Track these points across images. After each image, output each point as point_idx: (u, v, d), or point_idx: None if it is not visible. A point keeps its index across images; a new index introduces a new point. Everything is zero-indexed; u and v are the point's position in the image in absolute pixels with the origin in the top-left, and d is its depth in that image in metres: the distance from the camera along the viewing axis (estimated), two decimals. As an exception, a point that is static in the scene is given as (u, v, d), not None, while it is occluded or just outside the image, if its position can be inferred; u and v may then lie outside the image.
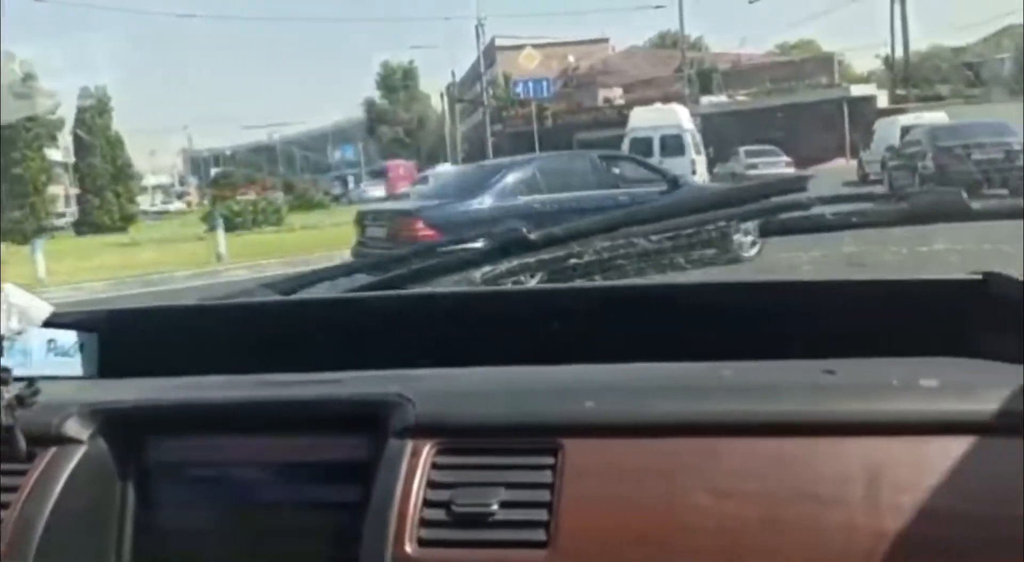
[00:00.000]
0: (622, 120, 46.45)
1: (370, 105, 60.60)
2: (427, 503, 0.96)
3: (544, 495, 0.95)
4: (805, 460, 0.91)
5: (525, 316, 1.35)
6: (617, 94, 48.28)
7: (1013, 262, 1.53)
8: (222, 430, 1.12)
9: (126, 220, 29.09)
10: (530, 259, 1.60)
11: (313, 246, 15.71)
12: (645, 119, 23.08)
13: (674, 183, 10.75)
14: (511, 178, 10.06)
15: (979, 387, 0.96)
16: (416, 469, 0.98)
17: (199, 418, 1.14)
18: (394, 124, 58.20)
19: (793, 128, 38.44)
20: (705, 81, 45.30)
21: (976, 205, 1.45)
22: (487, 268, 1.61)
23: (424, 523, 0.96)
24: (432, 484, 0.98)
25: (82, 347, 1.34)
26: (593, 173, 10.71)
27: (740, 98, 43.53)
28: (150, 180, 62.31)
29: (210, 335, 1.40)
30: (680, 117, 22.86)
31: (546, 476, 0.96)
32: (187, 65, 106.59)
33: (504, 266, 1.61)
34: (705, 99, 43.43)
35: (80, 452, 1.08)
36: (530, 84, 40.02)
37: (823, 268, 2.05)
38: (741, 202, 1.60)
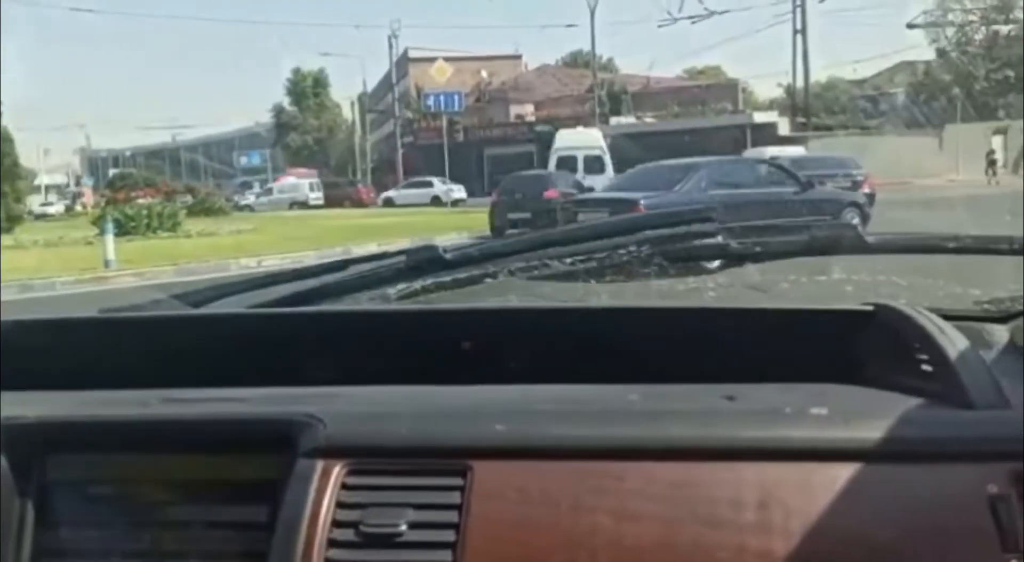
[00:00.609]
0: (532, 137, 46.97)
1: (279, 111, 59.53)
2: (336, 523, 0.97)
3: (452, 516, 0.96)
4: (703, 484, 0.94)
5: (437, 335, 1.36)
6: (528, 111, 48.61)
7: (903, 293, 1.61)
8: (128, 448, 1.09)
9: (12, 221, 27.56)
10: (445, 278, 1.60)
11: (209, 253, 15.26)
12: (569, 140, 25.25)
13: (808, 185, 12.92)
14: (700, 175, 12.37)
15: (865, 415, 1.00)
16: (325, 489, 0.98)
17: (104, 435, 1.11)
18: (303, 132, 57.29)
19: (698, 151, 39.36)
20: (615, 102, 45.96)
21: (871, 239, 1.52)
22: (401, 285, 1.60)
23: (332, 543, 0.96)
24: (341, 504, 0.98)
25: None
26: (753, 174, 13.02)
27: (648, 120, 44.30)
28: (44, 179, 59.72)
29: (117, 348, 1.37)
30: (599, 140, 25.27)
31: (455, 497, 0.97)
32: (87, 62, 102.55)
33: (419, 284, 1.61)
34: (614, 120, 44.07)
35: None
36: (441, 97, 39.49)
37: (727, 294, 2.08)
38: (653, 228, 1.63)
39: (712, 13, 38.73)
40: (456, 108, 39.96)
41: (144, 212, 20.78)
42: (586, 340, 1.32)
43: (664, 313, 1.40)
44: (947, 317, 1.20)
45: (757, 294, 1.91)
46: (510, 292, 1.68)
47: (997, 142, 37.05)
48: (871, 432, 0.97)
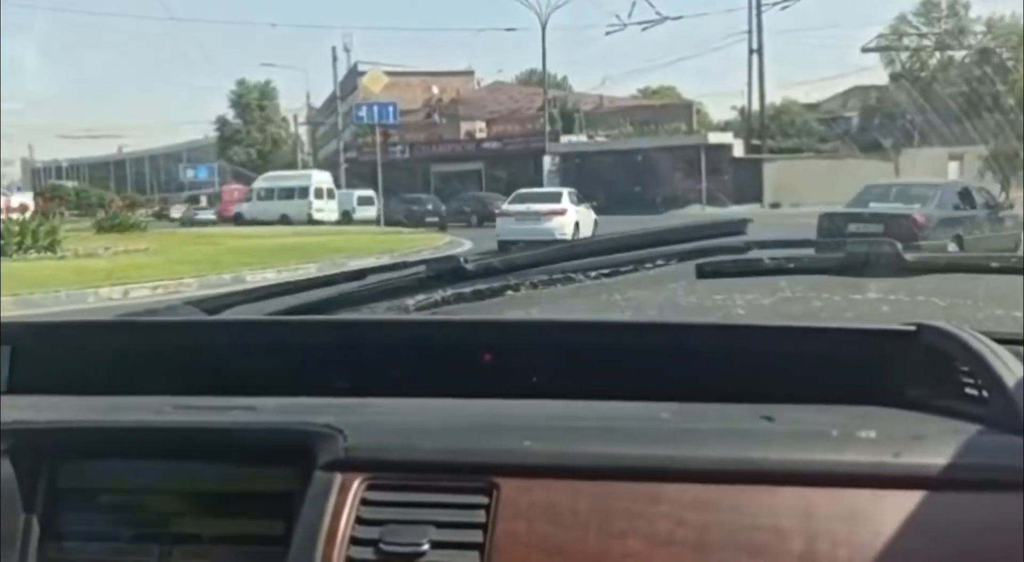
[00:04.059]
0: (479, 154, 45.60)
1: (223, 124, 57.74)
2: (354, 541, 0.93)
3: (477, 536, 0.92)
4: (742, 509, 0.91)
5: (457, 347, 1.34)
6: (479, 127, 47.51)
7: (941, 314, 1.49)
8: (139, 455, 1.06)
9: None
10: (465, 289, 1.56)
11: (72, 279, 12.55)
12: (319, 177, 38.40)
13: None
14: None
15: (918, 440, 0.96)
16: (344, 504, 0.95)
17: (115, 442, 1.08)
18: (247, 145, 55.56)
19: (651, 171, 38.41)
20: (567, 120, 45.03)
21: (909, 258, 1.46)
22: (421, 296, 1.56)
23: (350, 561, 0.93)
24: (360, 521, 0.95)
25: None
26: None
27: (599, 139, 43.29)
28: (-28, 191, 57.24)
29: (130, 353, 1.35)
30: (329, 177, 38.80)
31: (479, 516, 0.93)
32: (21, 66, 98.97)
33: (439, 295, 1.57)
34: (565, 138, 43.06)
35: None
36: (375, 108, 36.31)
37: (757, 311, 1.81)
38: (680, 241, 1.58)
39: (665, 18, 37.87)
40: (391, 120, 37.15)
41: (15, 229, 17.80)
42: (610, 355, 1.30)
43: (692, 329, 1.37)
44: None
45: (788, 311, 1.77)
46: (532, 305, 1.62)
47: (953, 168, 36.50)
48: (925, 458, 0.92)
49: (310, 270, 13.72)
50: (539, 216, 20.13)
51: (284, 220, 35.37)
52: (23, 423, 1.06)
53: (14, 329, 1.36)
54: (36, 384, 1.23)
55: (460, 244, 21.24)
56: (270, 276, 13.32)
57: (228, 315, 1.53)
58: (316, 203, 37.16)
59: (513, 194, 23.02)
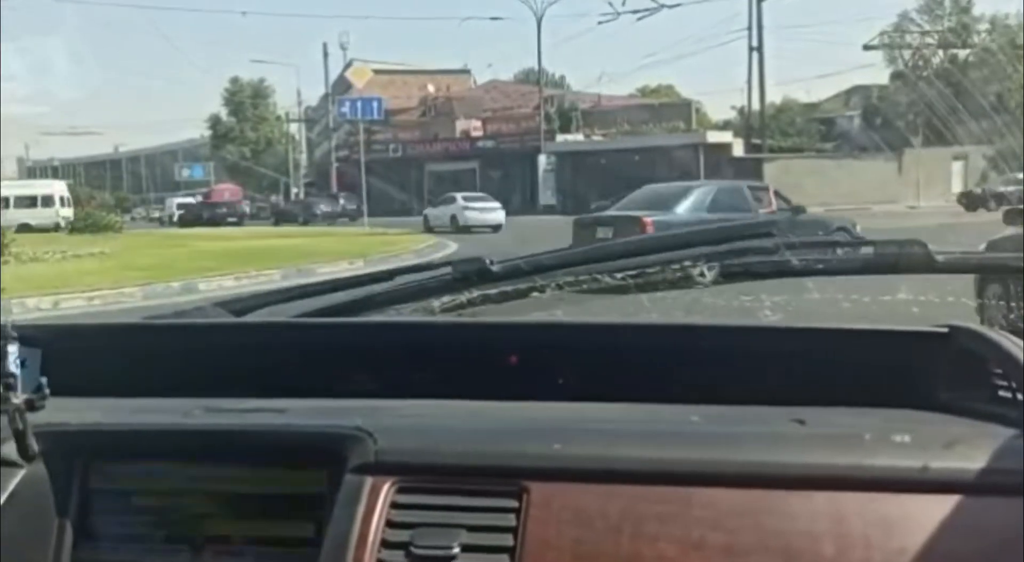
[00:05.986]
0: (475, 153, 44.90)
1: (215, 122, 56.99)
2: (385, 544, 0.94)
3: (507, 539, 0.92)
4: (774, 513, 0.91)
5: (483, 349, 1.33)
6: (475, 126, 46.79)
7: (973, 315, 1.52)
8: (169, 458, 1.07)
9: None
10: (491, 290, 1.56)
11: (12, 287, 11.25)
12: (59, 186, 39.98)
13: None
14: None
15: (953, 444, 0.95)
16: (375, 507, 0.95)
17: (146, 444, 1.09)
18: (240, 144, 54.77)
19: (650, 171, 37.81)
20: (564, 119, 44.36)
21: (940, 258, 1.45)
22: (447, 298, 1.57)
23: None
24: (391, 524, 0.95)
25: (24, 363, 1.27)
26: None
27: (597, 138, 42.61)
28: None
29: (158, 355, 1.37)
30: (65, 186, 40.58)
31: (510, 519, 0.93)
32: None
33: (464, 296, 1.57)
34: (561, 137, 42.38)
35: (18, 477, 1.04)
36: (358, 104, 34.72)
37: (785, 313, 1.77)
38: (708, 243, 1.57)
39: (661, 6, 37.15)
40: (375, 115, 35.90)
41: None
42: (637, 357, 1.29)
43: (721, 331, 1.36)
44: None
45: (817, 313, 1.74)
46: (558, 306, 1.62)
47: (957, 168, 35.75)
48: (959, 462, 0.92)
49: (273, 276, 13.19)
50: (488, 210, 29.80)
51: (25, 228, 30.80)
52: (55, 425, 1.07)
53: (46, 332, 1.37)
54: (67, 386, 1.22)
55: (445, 246, 20.51)
56: (228, 284, 12.90)
57: (255, 317, 1.54)
58: (63, 211, 37.62)
59: (461, 195, 30.93)
